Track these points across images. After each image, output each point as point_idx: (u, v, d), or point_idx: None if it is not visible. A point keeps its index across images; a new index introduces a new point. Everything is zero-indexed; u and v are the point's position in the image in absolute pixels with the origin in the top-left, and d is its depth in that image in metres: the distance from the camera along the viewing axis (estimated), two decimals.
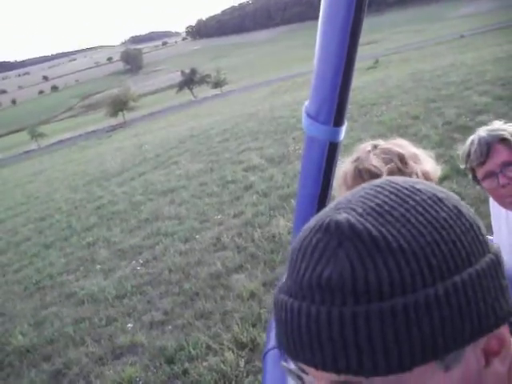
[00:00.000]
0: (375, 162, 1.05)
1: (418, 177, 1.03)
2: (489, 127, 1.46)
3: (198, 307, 4.21)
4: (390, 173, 1.02)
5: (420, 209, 0.41)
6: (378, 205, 0.41)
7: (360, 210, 0.41)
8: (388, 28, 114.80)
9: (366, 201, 0.42)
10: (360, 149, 1.13)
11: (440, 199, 0.42)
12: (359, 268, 0.38)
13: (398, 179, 0.45)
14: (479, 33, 38.96)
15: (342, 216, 0.41)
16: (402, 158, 1.05)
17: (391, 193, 0.42)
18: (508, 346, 0.43)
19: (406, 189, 0.43)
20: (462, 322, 0.38)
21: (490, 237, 1.59)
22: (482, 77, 10.98)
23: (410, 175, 1.03)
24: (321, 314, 0.38)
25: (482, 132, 1.44)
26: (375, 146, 1.11)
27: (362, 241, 0.39)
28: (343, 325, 0.37)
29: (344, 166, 1.11)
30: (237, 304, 4.02)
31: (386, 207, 0.41)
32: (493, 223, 1.60)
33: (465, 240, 0.40)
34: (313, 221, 0.44)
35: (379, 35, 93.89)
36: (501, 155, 1.39)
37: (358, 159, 1.09)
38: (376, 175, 1.01)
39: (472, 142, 1.44)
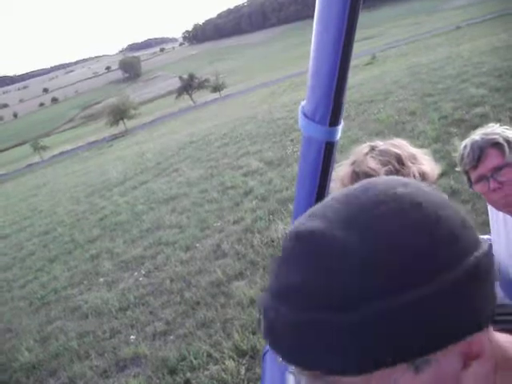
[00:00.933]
0: (372, 164, 1.05)
1: (415, 177, 1.04)
2: (483, 131, 1.47)
3: (199, 316, 4.23)
4: (388, 175, 1.01)
5: (394, 216, 0.40)
6: (350, 211, 0.41)
7: (331, 217, 0.41)
8: (383, 23, 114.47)
9: (340, 207, 0.42)
10: (357, 151, 1.13)
11: (418, 204, 0.40)
12: (323, 277, 0.38)
13: (378, 182, 0.44)
14: (475, 23, 38.79)
15: (313, 224, 0.41)
16: (399, 159, 1.06)
17: (368, 198, 0.41)
18: (488, 349, 0.42)
19: (384, 194, 0.42)
20: (429, 331, 0.38)
21: (488, 236, 1.61)
22: (478, 68, 10.95)
23: (407, 176, 1.03)
24: (287, 319, 0.39)
25: (476, 136, 1.46)
26: (372, 148, 1.11)
27: (329, 250, 0.39)
28: (305, 330, 0.38)
29: (342, 169, 1.11)
30: (237, 311, 4.04)
31: (359, 214, 0.40)
32: (491, 224, 1.62)
33: (440, 248, 0.39)
34: (291, 227, 0.44)
35: (375, 30, 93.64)
36: (492, 160, 1.40)
37: (355, 162, 1.09)
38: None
39: (465, 146, 1.46)
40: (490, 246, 0.44)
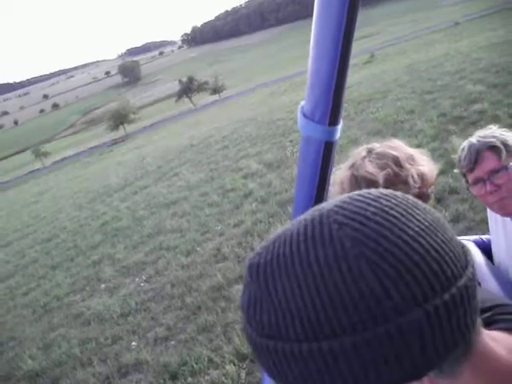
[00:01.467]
0: (370, 168, 1.05)
1: (414, 178, 1.05)
2: (481, 133, 1.48)
3: (200, 321, 4.24)
4: (387, 179, 1.03)
5: (318, 269, 0.39)
6: (284, 254, 0.41)
7: (276, 252, 0.42)
8: (382, 20, 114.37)
9: (281, 245, 0.42)
10: (355, 154, 1.13)
11: (356, 257, 0.38)
12: (253, 308, 0.42)
13: (329, 220, 0.41)
14: (473, 19, 38.73)
15: (256, 258, 0.44)
16: (396, 162, 1.06)
17: (315, 236, 0.40)
18: None
19: (321, 237, 0.40)
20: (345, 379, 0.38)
21: (487, 236, 1.61)
22: (476, 65, 10.95)
23: (406, 177, 1.04)
24: (245, 331, 0.46)
25: (473, 138, 1.47)
26: (369, 151, 1.11)
27: (258, 286, 0.42)
28: (253, 344, 0.44)
29: (340, 173, 1.11)
30: (237, 315, 4.05)
31: (289, 260, 0.40)
32: (490, 225, 1.63)
33: (366, 303, 0.37)
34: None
35: (373, 28, 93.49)
36: (489, 163, 1.40)
37: (353, 165, 1.09)
38: (372, 182, 1.02)
39: (463, 149, 1.47)
40: (446, 303, 0.38)
